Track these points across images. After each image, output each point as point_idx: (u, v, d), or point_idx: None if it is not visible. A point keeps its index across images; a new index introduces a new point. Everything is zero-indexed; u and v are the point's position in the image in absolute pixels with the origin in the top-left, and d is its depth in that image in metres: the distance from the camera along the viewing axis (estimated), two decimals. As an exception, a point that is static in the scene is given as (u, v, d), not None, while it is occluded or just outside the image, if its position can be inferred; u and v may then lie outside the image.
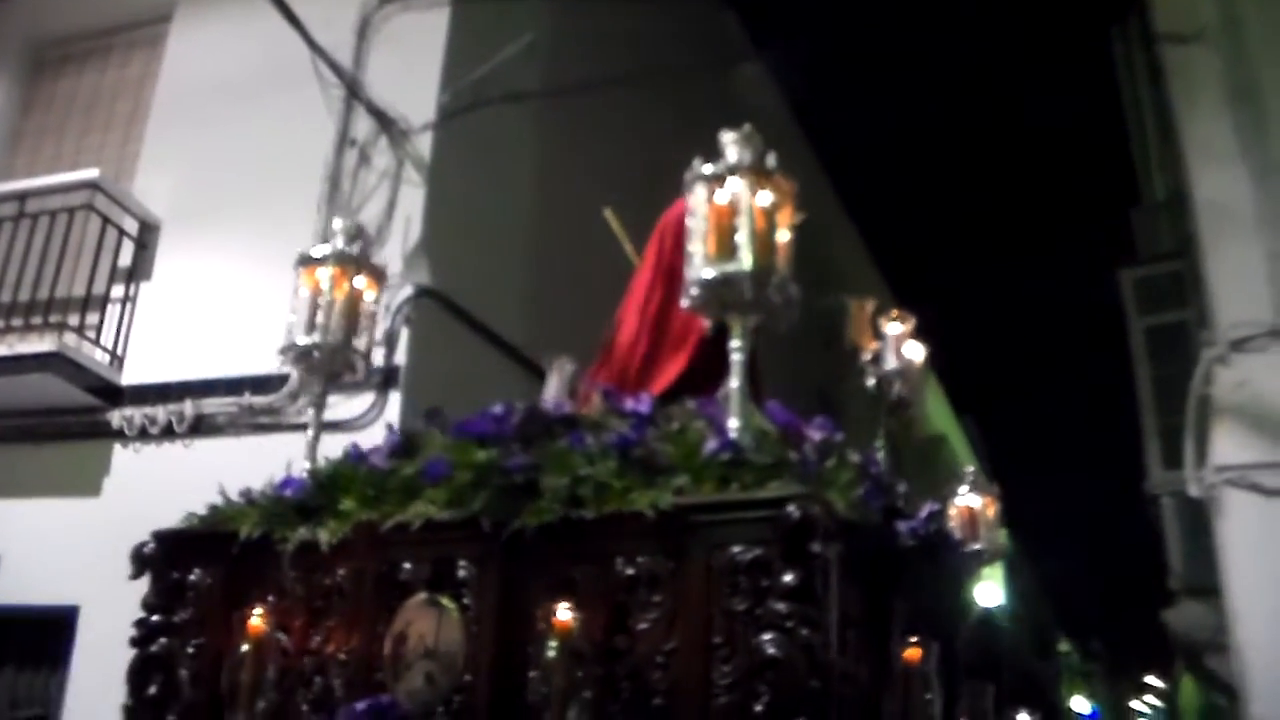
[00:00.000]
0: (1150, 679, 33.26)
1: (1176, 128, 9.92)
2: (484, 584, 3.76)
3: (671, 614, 3.47)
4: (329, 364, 5.00)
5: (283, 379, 8.80)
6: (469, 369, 9.41)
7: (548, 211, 10.77)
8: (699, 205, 4.04)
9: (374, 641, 3.92)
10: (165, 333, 9.60)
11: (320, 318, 4.94)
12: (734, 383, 3.86)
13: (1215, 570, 9.23)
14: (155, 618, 4.34)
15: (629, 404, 4.24)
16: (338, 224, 5.73)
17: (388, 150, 9.37)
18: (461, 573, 3.82)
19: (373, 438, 8.09)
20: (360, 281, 5.34)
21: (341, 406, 8.49)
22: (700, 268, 3.95)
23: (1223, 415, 8.53)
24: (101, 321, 9.62)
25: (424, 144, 9.32)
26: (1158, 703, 35.30)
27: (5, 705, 8.64)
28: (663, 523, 3.50)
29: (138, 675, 4.32)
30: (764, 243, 3.92)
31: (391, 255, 8.91)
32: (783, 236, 4.00)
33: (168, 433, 9.12)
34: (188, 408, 9.06)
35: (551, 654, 3.38)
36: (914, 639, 3.98)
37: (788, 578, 3.25)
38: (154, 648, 4.29)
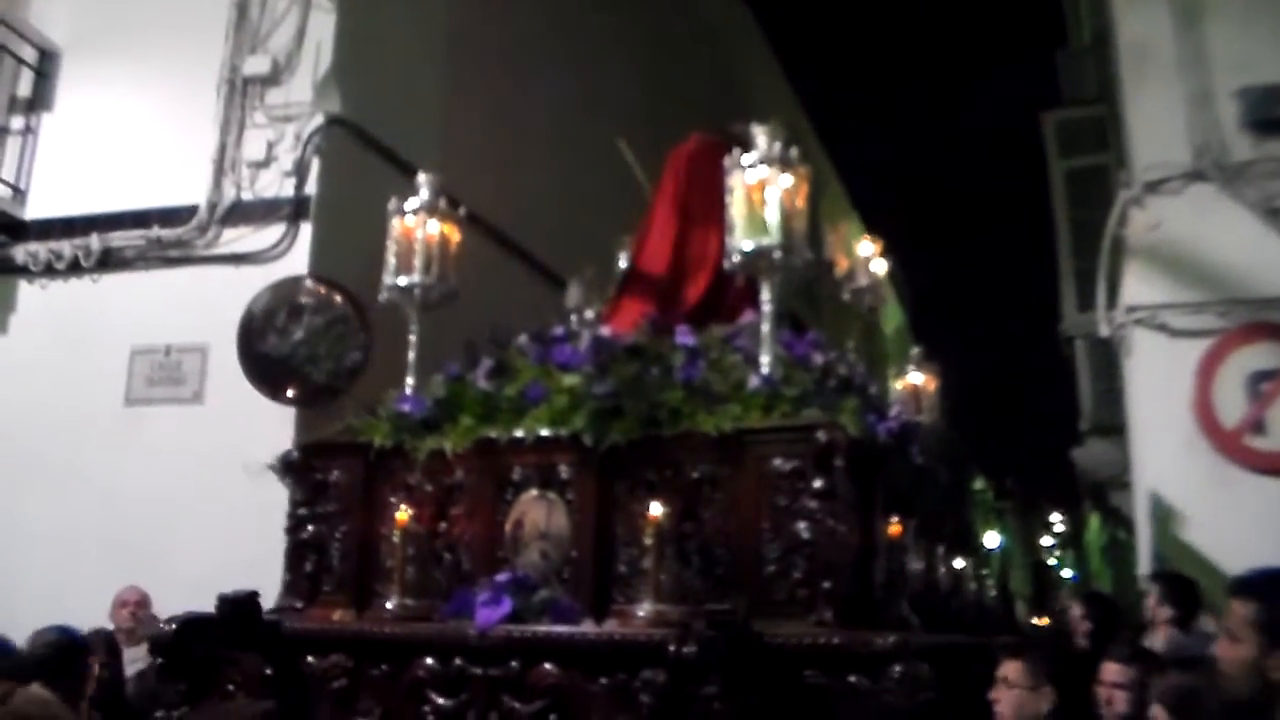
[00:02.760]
0: (1057, 515, 35.16)
1: (1102, -30, 10.97)
2: (583, 483, 5.42)
3: (729, 507, 5.17)
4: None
5: (191, 210, 9.45)
6: (381, 199, 9.83)
7: (463, 37, 11.36)
8: (737, 186, 5.60)
9: (493, 528, 5.55)
10: (69, 165, 10.12)
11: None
12: (765, 327, 5.51)
13: (1122, 409, 10.36)
14: (303, 510, 5.87)
15: (680, 337, 5.82)
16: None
17: (298, -26, 10.37)
18: (564, 474, 5.45)
19: (284, 269, 8.85)
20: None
21: (252, 238, 9.35)
22: (740, 239, 5.57)
23: (1135, 256, 9.01)
24: (1, 154, 10.01)
25: (336, -33, 10.30)
26: (1062, 534, 37.42)
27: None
28: (723, 441, 5.17)
29: (294, 556, 5.87)
30: (787, 219, 5.51)
31: (301, 83, 9.62)
32: (800, 213, 5.57)
33: (74, 268, 9.66)
34: (94, 242, 9.60)
35: (647, 540, 4.94)
36: (895, 517, 5.52)
37: (817, 483, 4.94)
38: (304, 535, 5.84)
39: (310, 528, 5.87)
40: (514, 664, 4.94)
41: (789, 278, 5.70)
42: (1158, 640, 6.39)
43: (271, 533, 8.65)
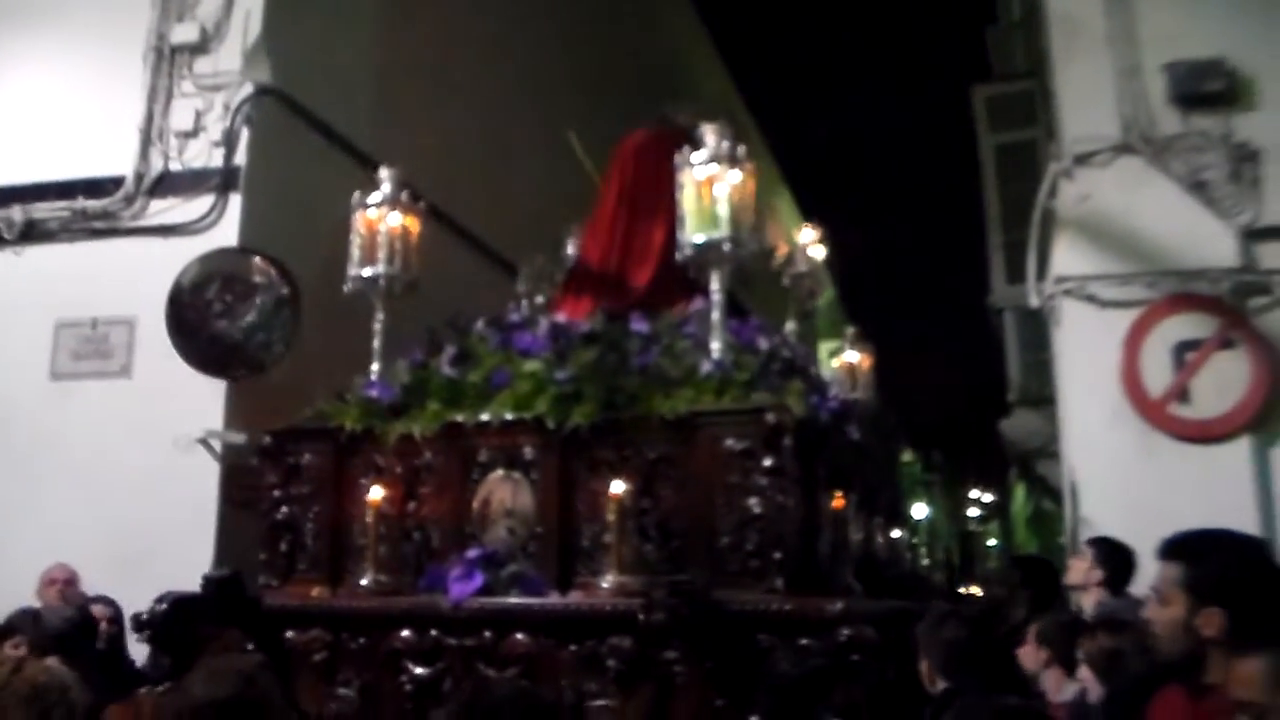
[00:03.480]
0: (983, 487, 36.70)
1: (1032, -58, 11.13)
2: (546, 464, 6.18)
3: (684, 484, 5.94)
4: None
5: (118, 181, 9.70)
6: (312, 172, 10.37)
7: (396, 7, 11.71)
8: (688, 182, 6.36)
9: (461, 506, 6.29)
10: None
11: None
12: (715, 315, 6.29)
13: (1050, 380, 10.85)
14: (277, 492, 6.61)
15: (634, 324, 6.65)
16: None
17: (225, -60, 10.57)
18: (528, 455, 6.22)
19: (213, 241, 9.25)
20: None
21: (180, 209, 9.62)
22: (691, 232, 6.34)
23: (1065, 229, 9.41)
24: None
25: (264, -67, 10.57)
26: (988, 504, 39.00)
27: None
28: (678, 423, 5.97)
29: (270, 536, 6.58)
30: (736, 213, 6.28)
31: (230, 52, 9.88)
32: (747, 207, 6.35)
33: None
34: (16, 213, 9.65)
35: (610, 516, 5.72)
36: (837, 492, 6.41)
37: (767, 461, 5.74)
38: (278, 516, 6.57)
39: (284, 509, 6.57)
40: (487, 634, 5.66)
41: (744, 267, 6.50)
42: (1088, 603, 6.86)
43: (201, 507, 9.02)
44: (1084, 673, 5.23)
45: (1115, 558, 6.83)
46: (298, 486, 6.60)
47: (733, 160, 6.40)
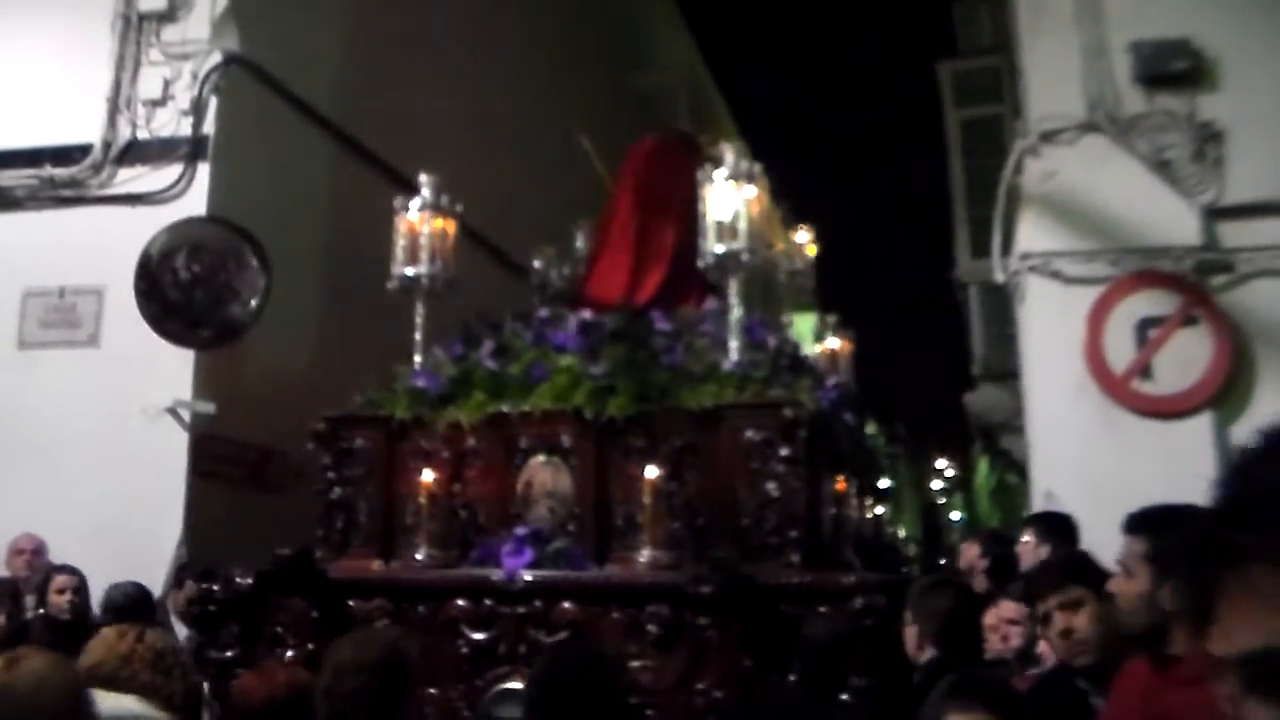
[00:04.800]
0: (945, 461, 38.70)
1: (1001, -82, 12.10)
2: (582, 450, 7.67)
3: (709, 470, 7.45)
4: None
5: (85, 149, 10.87)
6: (280, 141, 11.72)
7: None
8: (710, 197, 7.88)
9: (505, 488, 7.80)
10: None
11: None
12: (733, 317, 7.84)
13: (1014, 355, 11.72)
14: (331, 474, 8.05)
15: (657, 322, 8.21)
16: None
17: (192, -93, 11.31)
18: (566, 442, 7.70)
19: (182, 210, 11.00)
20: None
21: (148, 178, 10.87)
22: (712, 243, 7.86)
23: (1030, 205, 10.30)
24: None
25: (232, -101, 11.34)
26: (952, 478, 41.14)
27: None
28: (703, 414, 7.48)
29: (326, 515, 8.03)
30: (752, 226, 7.83)
31: (199, 20, 11.09)
32: (760, 219, 7.93)
33: None
34: None
35: (644, 498, 7.22)
36: (839, 475, 8.06)
37: (784, 451, 7.26)
38: (334, 496, 8.02)
39: (338, 490, 7.98)
40: (538, 603, 7.08)
41: (757, 273, 8.16)
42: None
43: (170, 477, 10.23)
44: (1044, 648, 5.72)
45: (1057, 531, 7.47)
46: (351, 469, 7.99)
47: (749, 177, 7.89)
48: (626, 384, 7.59)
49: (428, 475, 7.60)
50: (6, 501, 9.89)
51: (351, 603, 7.44)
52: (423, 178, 8.67)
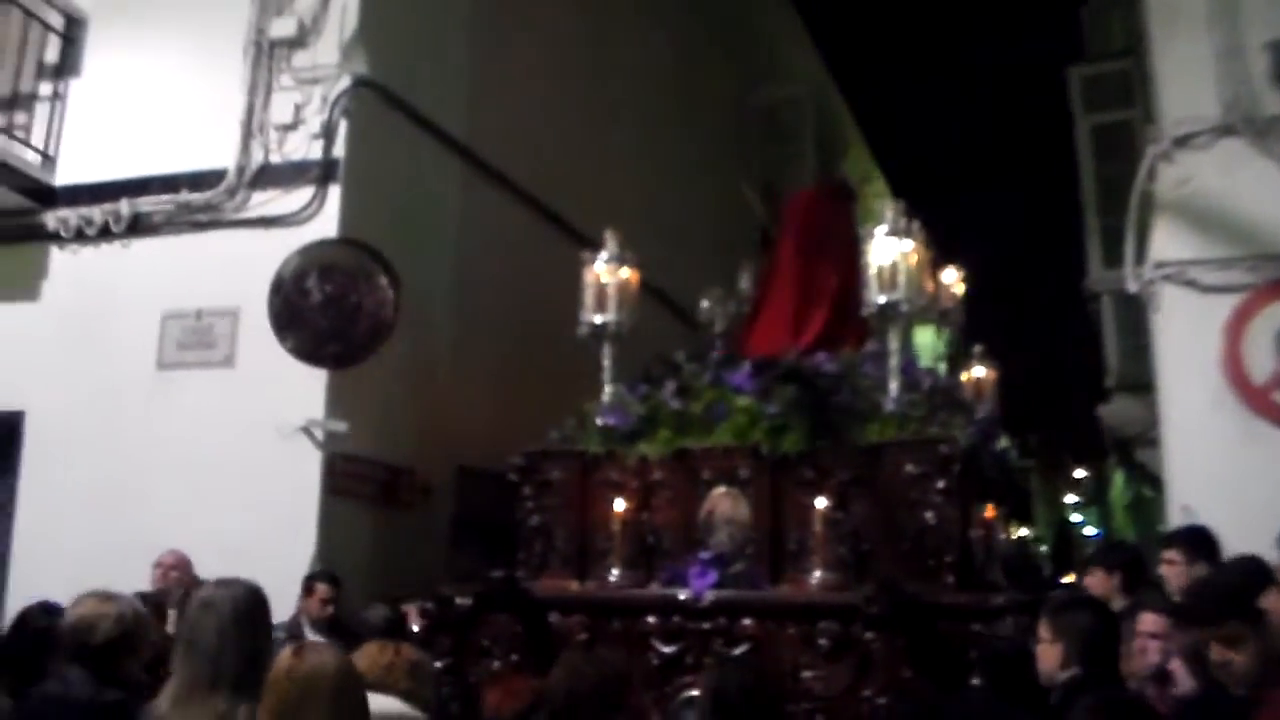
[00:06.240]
0: (1081, 473, 40.93)
1: (1131, -77, 12.40)
2: (759, 482, 9.82)
3: (872, 501, 9.60)
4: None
5: (220, 174, 12.22)
6: (410, 162, 13.33)
7: None
8: (871, 252, 10.12)
9: (688, 515, 9.98)
10: (98, 130, 12.93)
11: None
12: (893, 362, 10.05)
13: (1149, 366, 12.71)
14: (530, 503, 10.41)
15: (823, 364, 10.36)
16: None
17: (322, -65, 11.85)
18: (743, 475, 9.87)
19: (314, 233, 12.62)
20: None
21: (280, 201, 12.24)
22: (876, 293, 10.08)
23: (1164, 212, 11.40)
24: (30, 121, 12.89)
25: (360, -72, 11.83)
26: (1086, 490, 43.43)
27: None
28: (868, 450, 9.63)
29: (527, 539, 10.56)
30: (910, 277, 9.98)
31: (328, 45, 12.43)
32: (917, 269, 10.06)
33: (104, 233, 12.53)
34: (124, 207, 12.47)
35: (816, 526, 9.40)
36: (989, 503, 10.05)
37: (940, 483, 9.41)
38: (533, 522, 10.36)
39: (536, 517, 10.30)
40: (721, 619, 9.19)
41: (915, 320, 10.49)
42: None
43: (304, 494, 11.81)
44: (1175, 665, 6.50)
45: (1206, 548, 8.37)
46: (548, 498, 10.32)
47: (907, 233, 10.01)
48: (799, 422, 9.75)
49: (619, 504, 9.82)
50: (149, 518, 11.32)
51: (553, 618, 9.69)
52: (608, 234, 10.91)
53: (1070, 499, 48.31)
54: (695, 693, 8.65)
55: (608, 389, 10.71)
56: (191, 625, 5.69)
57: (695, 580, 9.52)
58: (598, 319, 10.83)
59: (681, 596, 9.54)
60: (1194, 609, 6.41)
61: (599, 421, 10.48)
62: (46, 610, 7.96)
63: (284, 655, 5.02)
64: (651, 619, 9.61)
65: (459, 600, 9.80)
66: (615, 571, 9.93)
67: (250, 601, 5.77)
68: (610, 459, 10.32)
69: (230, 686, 5.39)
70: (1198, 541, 8.41)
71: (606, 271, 10.79)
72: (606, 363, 10.83)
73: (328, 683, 4.83)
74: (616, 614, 9.71)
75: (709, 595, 9.44)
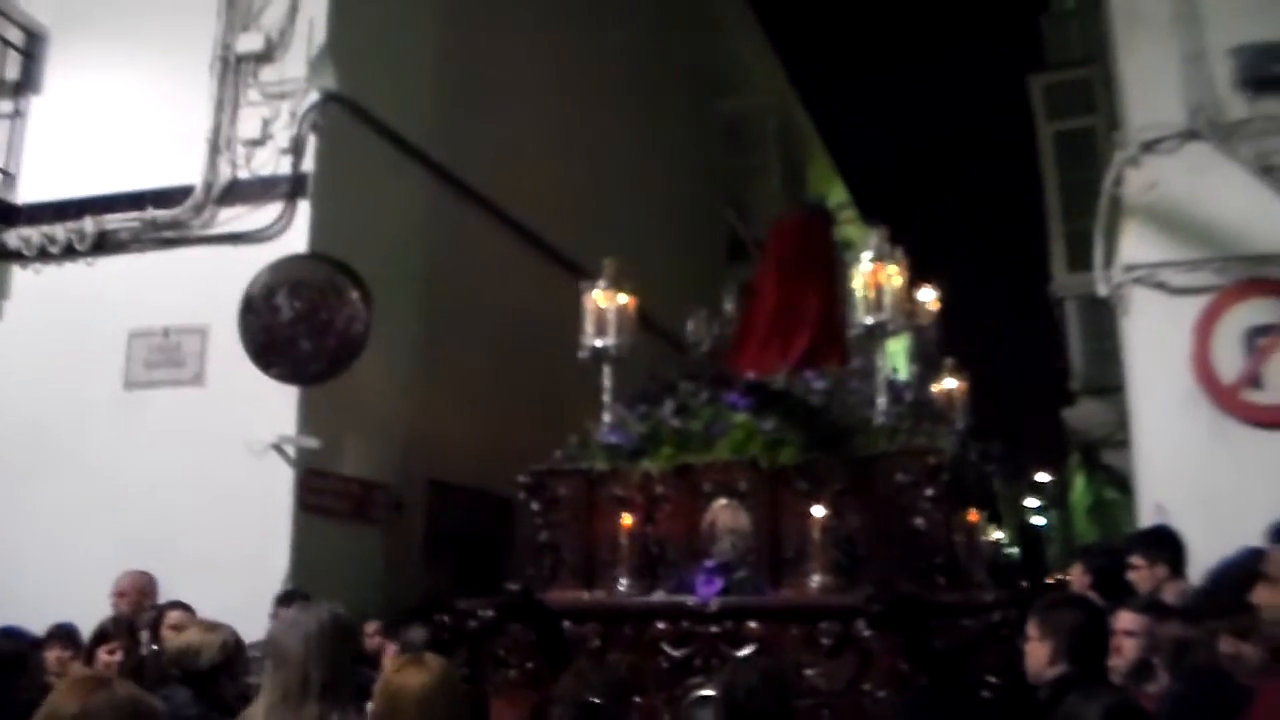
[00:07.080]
0: (1044, 476, 42.86)
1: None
2: (758, 494, 11.27)
3: (864, 509, 11.13)
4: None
5: (187, 191, 12.95)
6: (379, 177, 14.29)
7: (455, 10, 15.83)
8: (858, 275, 11.49)
9: (691, 527, 11.44)
10: (60, 148, 13.71)
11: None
12: (880, 378, 11.56)
13: (1115, 369, 13.88)
14: (539, 519, 11.77)
15: (813, 382, 11.92)
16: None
17: (287, -51, 12.05)
18: (743, 487, 11.34)
19: (283, 248, 13.74)
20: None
21: (249, 217, 13.03)
22: (861, 314, 11.46)
23: (1132, 216, 12.32)
24: None
25: (325, -58, 12.06)
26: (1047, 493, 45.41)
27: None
28: (860, 462, 11.13)
29: (536, 553, 11.97)
30: (895, 300, 11.43)
31: (296, 60, 13.22)
32: (900, 290, 11.48)
33: (69, 251, 13.34)
34: (88, 224, 13.30)
35: (814, 534, 10.83)
36: (972, 507, 11.41)
37: (928, 491, 10.86)
38: (542, 537, 11.83)
39: (546, 533, 11.66)
40: (728, 623, 10.46)
41: (898, 336, 11.74)
42: (1169, 597, 8.56)
43: (276, 511, 12.71)
44: (1156, 660, 7.04)
45: (1168, 551, 9.23)
46: (556, 514, 11.68)
47: (890, 258, 11.37)
48: (794, 437, 11.11)
49: (626, 518, 11.13)
50: (119, 538, 12.06)
51: (567, 625, 10.96)
52: (606, 263, 12.21)
53: (1031, 502, 51.06)
54: (705, 692, 10.12)
55: (607, 411, 12.18)
56: (277, 642, 6.42)
57: (702, 587, 10.90)
58: (598, 342, 12.21)
59: (690, 603, 10.88)
60: (1204, 602, 6.95)
61: (602, 440, 11.78)
62: (8, 635, 9.20)
63: (387, 664, 5.98)
64: (661, 624, 10.95)
65: (480, 612, 11.21)
66: (623, 582, 11.22)
67: (333, 619, 6.49)
68: (615, 475, 11.68)
69: (318, 697, 6.12)
70: (1156, 543, 9.39)
71: (604, 298, 12.14)
72: (608, 384, 12.20)
73: (412, 694, 5.64)
74: (628, 621, 11.07)
75: (715, 601, 10.82)
